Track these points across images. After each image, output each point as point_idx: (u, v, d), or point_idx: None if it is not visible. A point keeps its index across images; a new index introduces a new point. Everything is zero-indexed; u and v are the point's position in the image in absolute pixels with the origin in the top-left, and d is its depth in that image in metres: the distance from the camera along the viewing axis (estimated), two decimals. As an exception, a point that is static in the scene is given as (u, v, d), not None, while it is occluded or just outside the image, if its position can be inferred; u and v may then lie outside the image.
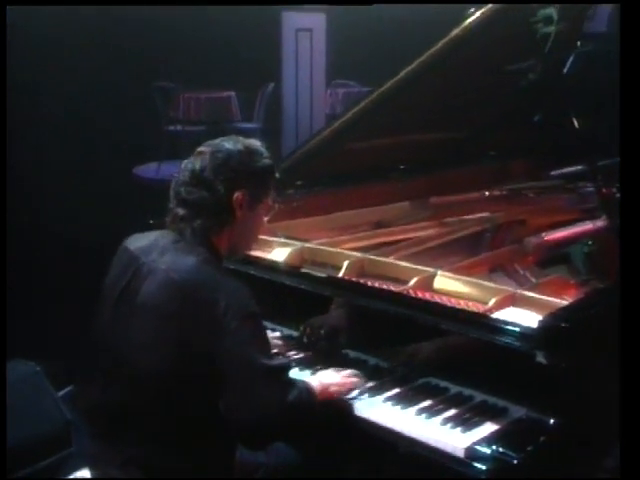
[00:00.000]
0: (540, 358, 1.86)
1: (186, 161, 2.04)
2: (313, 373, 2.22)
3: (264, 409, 1.85)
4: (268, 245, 2.67)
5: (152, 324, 1.90)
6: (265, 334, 2.00)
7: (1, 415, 2.70)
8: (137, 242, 2.07)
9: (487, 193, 3.33)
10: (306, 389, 1.96)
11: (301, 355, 2.35)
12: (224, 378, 1.85)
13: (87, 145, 5.59)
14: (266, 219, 2.17)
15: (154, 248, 1.99)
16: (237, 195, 1.99)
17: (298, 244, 2.64)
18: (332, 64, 6.91)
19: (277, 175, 2.12)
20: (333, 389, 2.08)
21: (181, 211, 1.99)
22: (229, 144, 2.03)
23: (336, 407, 2.07)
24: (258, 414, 1.85)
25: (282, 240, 2.70)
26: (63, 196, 5.07)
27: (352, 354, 2.32)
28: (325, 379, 2.10)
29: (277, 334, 2.46)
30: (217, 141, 2.05)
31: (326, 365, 2.23)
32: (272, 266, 2.52)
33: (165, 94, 6.68)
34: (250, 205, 2.03)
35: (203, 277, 1.91)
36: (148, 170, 6.34)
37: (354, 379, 2.14)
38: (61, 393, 3.27)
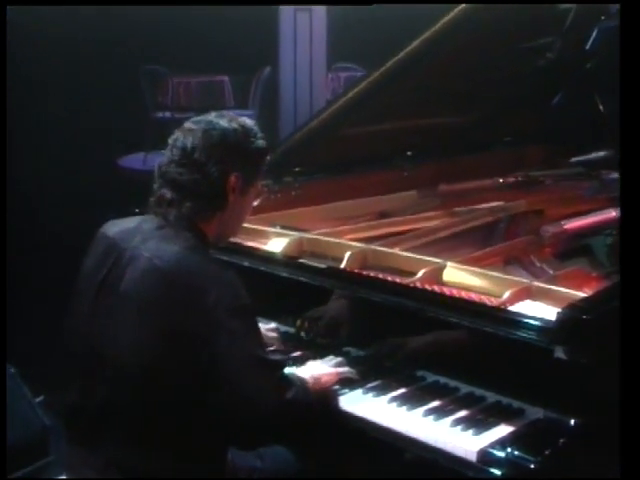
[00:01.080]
0: (559, 354, 1.84)
1: (174, 137, 2.01)
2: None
3: (260, 406, 1.85)
4: (264, 236, 2.66)
5: (136, 316, 1.88)
6: (258, 327, 1.99)
7: (1, 415, 2.73)
8: (116, 227, 2.05)
9: (501, 180, 3.32)
10: (302, 386, 1.96)
11: (298, 352, 2.34)
12: (216, 374, 1.84)
13: (68, 134, 5.58)
14: (255, 203, 2.15)
15: (136, 234, 1.97)
16: (231, 179, 1.98)
17: (296, 234, 2.63)
18: (333, 46, 6.88)
19: (269, 157, 2.11)
20: (325, 379, 2.09)
21: (168, 193, 1.97)
22: (223, 122, 2.01)
23: (336, 408, 2.06)
24: (253, 411, 1.85)
25: (279, 230, 2.69)
26: (46, 190, 5.07)
27: (354, 351, 2.30)
28: (315, 371, 2.11)
29: (273, 327, 2.43)
30: (209, 118, 2.03)
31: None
32: (268, 257, 2.51)
33: (153, 78, 6.68)
34: (242, 189, 2.02)
35: (191, 265, 1.89)
36: (134, 160, 6.33)
37: (345, 368, 2.16)
38: (37, 400, 3.26)
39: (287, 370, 2.03)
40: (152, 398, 1.87)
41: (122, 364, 1.88)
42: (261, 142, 2.05)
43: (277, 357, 2.08)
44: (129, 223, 2.04)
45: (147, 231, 1.97)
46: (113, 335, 1.91)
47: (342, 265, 2.40)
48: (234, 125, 2.01)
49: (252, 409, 1.85)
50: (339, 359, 2.21)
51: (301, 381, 1.98)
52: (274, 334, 2.37)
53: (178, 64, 6.56)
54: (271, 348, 2.27)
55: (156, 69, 6.62)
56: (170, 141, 2.01)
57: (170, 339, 1.84)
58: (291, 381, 1.94)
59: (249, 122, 2.07)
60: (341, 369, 2.16)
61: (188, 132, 2.00)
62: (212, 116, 2.04)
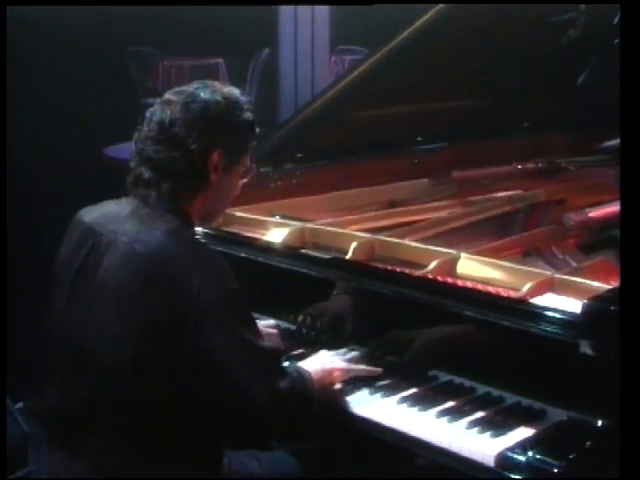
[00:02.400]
0: (584, 348, 1.84)
1: (152, 109, 2.00)
2: None
3: (251, 396, 1.84)
4: (263, 226, 2.67)
5: (115, 306, 1.88)
6: (248, 313, 1.97)
7: (1, 415, 2.78)
8: (93, 213, 2.04)
9: (520, 167, 3.31)
10: (301, 378, 1.95)
11: (300, 351, 2.33)
12: (204, 364, 1.83)
13: (55, 123, 5.58)
14: (243, 182, 2.14)
15: (114, 217, 1.97)
16: (213, 156, 1.97)
17: (298, 224, 2.63)
18: (337, 27, 6.88)
19: (257, 131, 2.09)
20: (337, 374, 2.09)
21: (146, 172, 1.96)
22: (205, 93, 1.99)
23: (342, 409, 2.06)
24: (244, 403, 1.85)
25: (280, 220, 2.70)
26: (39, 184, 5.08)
27: (360, 349, 2.29)
28: (328, 363, 2.11)
29: (272, 324, 2.42)
30: (190, 89, 2.01)
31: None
32: (267, 247, 2.50)
33: (142, 61, 6.67)
34: (226, 167, 2.02)
35: (173, 249, 1.89)
36: (122, 150, 6.30)
37: (360, 366, 2.15)
38: (16, 406, 3.26)
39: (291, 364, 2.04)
40: (137, 395, 1.86)
41: (104, 359, 1.88)
42: (248, 115, 2.03)
43: (270, 345, 2.06)
44: (107, 207, 2.04)
45: (125, 214, 1.96)
46: (92, 327, 1.91)
47: (347, 256, 2.39)
48: (217, 97, 1.99)
49: (243, 400, 1.85)
50: (354, 353, 2.21)
51: (299, 372, 1.98)
52: (274, 331, 2.36)
53: (169, 45, 6.55)
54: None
55: (145, 51, 6.61)
56: (147, 114, 2.00)
57: (153, 330, 1.83)
58: (286, 370, 1.94)
59: (235, 93, 2.05)
60: (355, 366, 2.16)
61: (167, 105, 1.98)
62: (194, 87, 2.01)
